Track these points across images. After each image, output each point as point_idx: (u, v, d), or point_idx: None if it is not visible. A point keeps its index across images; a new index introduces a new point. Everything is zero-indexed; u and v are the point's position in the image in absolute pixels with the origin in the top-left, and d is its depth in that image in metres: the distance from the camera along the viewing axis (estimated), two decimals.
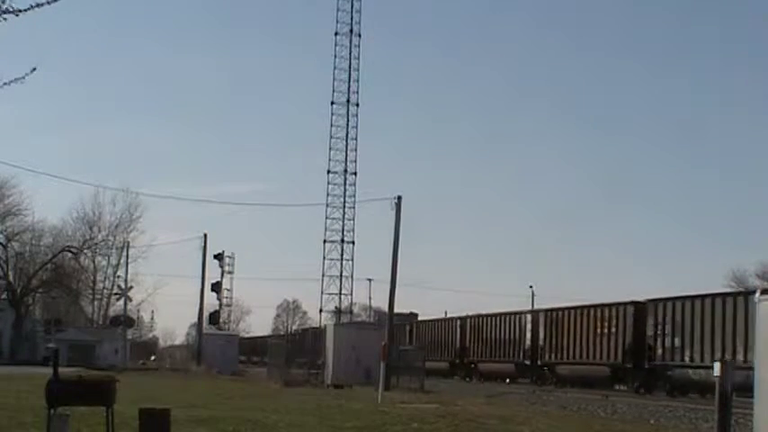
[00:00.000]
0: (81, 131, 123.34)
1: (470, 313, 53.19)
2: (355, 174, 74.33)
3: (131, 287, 65.80)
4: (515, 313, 48.35)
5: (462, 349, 52.19)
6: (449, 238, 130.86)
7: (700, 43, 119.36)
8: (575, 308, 42.13)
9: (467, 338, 51.84)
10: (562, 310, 43.26)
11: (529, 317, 45.89)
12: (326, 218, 74.54)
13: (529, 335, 44.90)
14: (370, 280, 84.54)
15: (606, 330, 38.60)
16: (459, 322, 53.30)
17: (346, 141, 74.54)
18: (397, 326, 60.57)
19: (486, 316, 50.58)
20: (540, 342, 44.05)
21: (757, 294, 15.21)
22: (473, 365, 50.80)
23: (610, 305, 39.22)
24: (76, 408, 10.99)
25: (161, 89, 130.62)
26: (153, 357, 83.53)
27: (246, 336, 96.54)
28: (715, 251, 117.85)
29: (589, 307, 40.86)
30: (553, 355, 42.89)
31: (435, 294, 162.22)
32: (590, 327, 39.83)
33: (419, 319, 65.54)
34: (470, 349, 51.27)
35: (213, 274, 65.26)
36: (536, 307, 66.49)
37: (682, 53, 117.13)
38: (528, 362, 44.91)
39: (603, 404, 27.72)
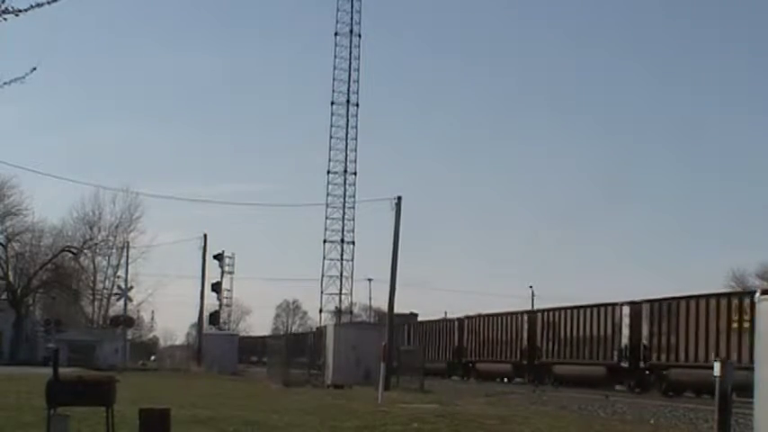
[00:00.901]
0: (81, 131, 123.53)
1: (470, 314, 53.34)
2: (355, 174, 74.45)
3: (131, 287, 65.82)
4: (513, 313, 48.52)
5: (460, 349, 52.42)
6: (449, 238, 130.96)
7: (700, 43, 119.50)
8: (571, 308, 42.33)
9: (464, 339, 52.05)
10: (558, 310, 43.53)
11: (526, 317, 46.11)
12: (326, 218, 74.66)
13: (526, 335, 45.10)
14: (370, 280, 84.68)
15: (603, 331, 38.95)
16: (456, 323, 53.49)
17: (346, 141, 74.64)
18: (396, 326, 60.91)
19: (484, 316, 50.82)
20: (538, 342, 44.32)
21: (757, 294, 15.21)
22: (471, 365, 50.95)
23: (606, 305, 39.42)
24: (76, 408, 11.00)
25: (161, 89, 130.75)
26: (153, 357, 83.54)
27: (247, 335, 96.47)
28: (715, 251, 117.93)
29: (584, 307, 41.11)
30: (550, 356, 43.11)
31: (435, 294, 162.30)
32: (586, 327, 40.18)
33: (418, 319, 65.50)
34: (468, 349, 51.47)
35: (213, 274, 65.32)
36: (536, 307, 66.85)
37: (682, 53, 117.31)
38: (525, 362, 45.18)
39: (603, 404, 27.73)
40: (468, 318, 52.61)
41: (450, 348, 53.54)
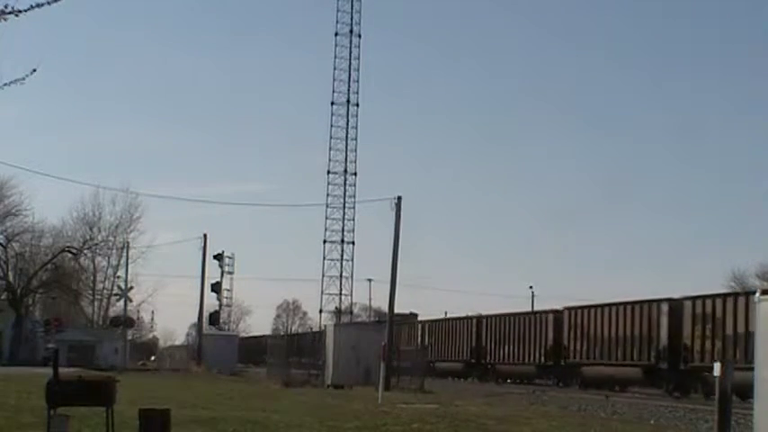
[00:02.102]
0: (81, 131, 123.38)
1: (489, 312, 52.04)
2: (355, 174, 74.46)
3: (131, 287, 65.85)
4: (536, 313, 47.09)
5: (479, 349, 50.54)
6: (449, 238, 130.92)
7: (700, 43, 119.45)
8: (602, 306, 40.15)
9: (483, 338, 50.15)
10: (589, 307, 41.28)
11: (551, 316, 44.05)
12: (326, 218, 74.62)
13: (551, 335, 43.19)
14: (370, 280, 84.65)
15: (638, 330, 36.80)
16: (474, 321, 51.60)
17: (346, 141, 74.66)
18: (406, 324, 60.63)
19: (505, 315, 49.14)
20: (564, 342, 42.13)
21: (757, 294, 15.21)
22: (490, 366, 49.30)
23: (641, 302, 37.36)
24: (77, 408, 11.00)
25: (161, 89, 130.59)
26: (153, 358, 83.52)
27: (249, 336, 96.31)
28: (715, 251, 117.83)
29: (618, 305, 38.87)
30: (578, 356, 41.12)
31: (435, 294, 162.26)
32: (620, 326, 38.06)
33: (430, 318, 64.95)
34: (487, 349, 49.54)
35: (213, 274, 65.29)
36: (536, 307, 66.72)
37: (682, 53, 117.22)
38: (551, 362, 43.36)
39: (603, 404, 27.73)
40: (486, 317, 50.90)
41: (467, 348, 51.78)
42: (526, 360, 45.56)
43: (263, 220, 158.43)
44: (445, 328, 55.60)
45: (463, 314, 56.21)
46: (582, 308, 41.84)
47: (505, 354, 47.43)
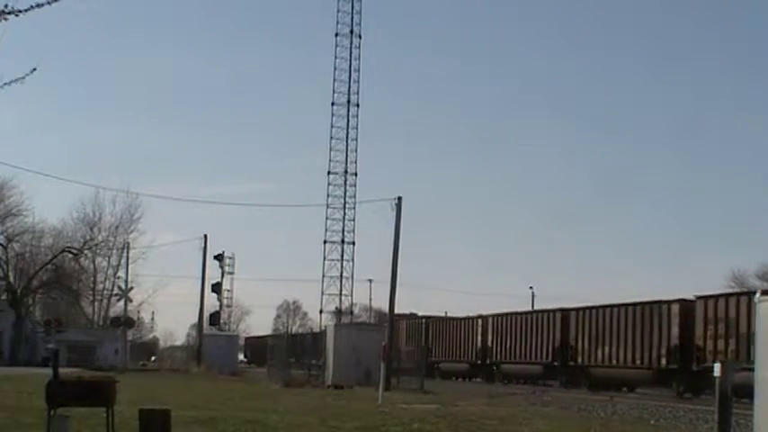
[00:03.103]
0: (81, 131, 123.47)
1: (495, 312, 51.12)
2: (355, 174, 74.30)
3: (132, 288, 65.81)
4: (543, 311, 46.32)
5: (484, 350, 49.88)
6: (449, 238, 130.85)
7: (700, 43, 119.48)
8: (612, 306, 39.62)
9: (489, 338, 49.47)
10: (597, 308, 40.74)
11: (559, 315, 43.35)
12: (327, 218, 74.50)
13: (559, 335, 42.54)
14: (370, 281, 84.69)
15: (648, 330, 36.41)
16: (480, 321, 50.77)
17: (346, 142, 74.55)
18: (411, 324, 60.49)
19: (512, 315, 48.48)
20: (572, 342, 41.74)
21: (757, 295, 15.21)
22: (495, 367, 48.63)
23: (652, 303, 36.96)
24: (77, 408, 11.00)
25: (161, 89, 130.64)
26: (153, 358, 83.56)
27: (255, 336, 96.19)
28: (715, 251, 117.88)
29: (628, 305, 38.45)
30: (585, 357, 40.72)
31: (435, 294, 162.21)
32: (630, 326, 37.67)
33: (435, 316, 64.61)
34: (493, 350, 48.86)
35: (213, 274, 65.36)
36: (536, 307, 66.62)
37: (682, 53, 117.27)
38: (557, 363, 42.93)
39: (604, 404, 27.73)
40: (492, 316, 50.11)
41: (473, 349, 51.11)
42: (533, 360, 45.03)
43: (264, 221, 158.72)
44: (450, 327, 55.17)
45: (463, 314, 56.14)
46: (589, 308, 41.32)
47: (511, 354, 46.92)
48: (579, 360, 41.10)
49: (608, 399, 30.42)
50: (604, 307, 40.25)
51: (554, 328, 43.34)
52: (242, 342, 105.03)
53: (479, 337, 49.99)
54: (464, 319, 53.50)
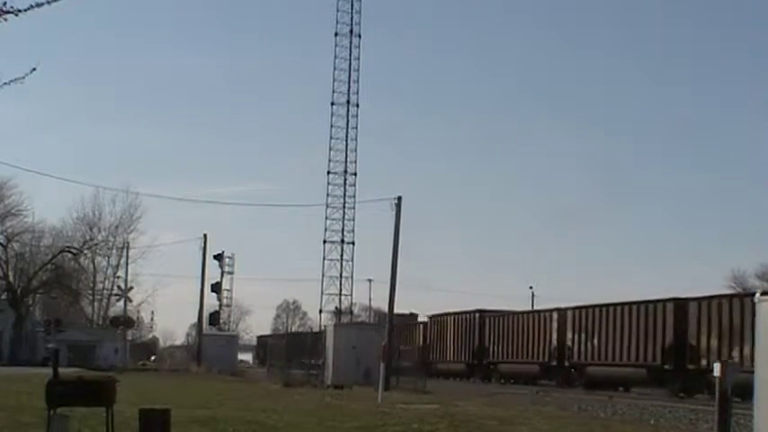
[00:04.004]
0: (81, 131, 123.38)
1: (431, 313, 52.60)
2: (355, 174, 74.27)
3: (131, 288, 65.85)
4: (542, 311, 46.21)
5: (481, 349, 49.61)
6: (449, 238, 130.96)
7: (700, 43, 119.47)
8: (608, 305, 39.42)
9: (486, 337, 49.14)
10: (593, 307, 40.42)
11: (555, 315, 43.10)
12: (326, 218, 74.47)
13: (555, 334, 42.33)
14: (370, 280, 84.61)
15: (644, 329, 36.63)
16: (477, 319, 50.06)
17: (346, 141, 74.51)
18: (408, 325, 60.39)
19: (509, 314, 48.24)
20: (569, 342, 41.54)
21: (757, 295, 15.23)
22: (492, 366, 48.24)
23: (647, 302, 37.17)
24: (76, 408, 11.00)
25: (161, 89, 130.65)
26: (153, 358, 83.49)
27: (266, 335, 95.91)
28: (715, 251, 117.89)
29: (624, 305, 38.58)
30: (582, 356, 40.75)
31: (435, 294, 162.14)
32: (626, 326, 37.80)
33: (417, 320, 64.83)
34: (490, 349, 48.48)
35: (213, 274, 65.30)
36: (536, 306, 66.57)
37: (682, 53, 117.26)
38: (554, 363, 42.83)
39: (604, 405, 27.73)
40: (489, 313, 49.92)
41: (470, 348, 50.77)
42: (531, 360, 44.98)
43: (263, 220, 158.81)
44: (446, 326, 54.72)
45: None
46: (587, 307, 41.12)
47: (508, 353, 46.83)
48: (575, 359, 41.44)
49: (607, 399, 30.42)
50: (600, 306, 40.44)
51: (551, 328, 43.65)
52: (252, 342, 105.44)
53: (555, 334, 43.35)
54: (536, 312, 48.28)
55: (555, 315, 43.30)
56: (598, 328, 39.46)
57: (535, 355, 44.34)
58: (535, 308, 46.56)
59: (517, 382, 45.25)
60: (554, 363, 42.63)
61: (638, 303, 37.54)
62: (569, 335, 41.59)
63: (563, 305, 44.65)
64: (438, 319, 55.66)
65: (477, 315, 50.60)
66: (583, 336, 40.38)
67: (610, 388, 37.39)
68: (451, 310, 53.90)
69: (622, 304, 38.63)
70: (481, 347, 49.24)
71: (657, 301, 36.75)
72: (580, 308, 41.71)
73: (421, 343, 54.86)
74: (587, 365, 40.26)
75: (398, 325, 60.43)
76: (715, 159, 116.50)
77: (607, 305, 39.82)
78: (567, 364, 41.69)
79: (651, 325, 36.27)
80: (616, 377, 38.55)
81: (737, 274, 70.23)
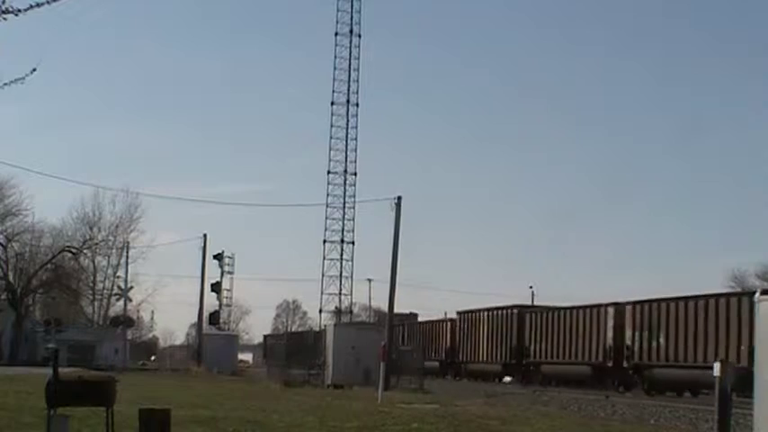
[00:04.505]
0: (81, 131, 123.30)
1: (460, 310, 52.05)
2: (355, 174, 74.23)
3: (131, 287, 65.90)
4: (503, 308, 47.81)
5: (452, 349, 51.58)
6: (449, 238, 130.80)
7: (700, 43, 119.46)
8: (677, 299, 36.60)
9: (456, 338, 51.34)
10: (658, 302, 37.50)
11: (611, 310, 39.61)
12: (326, 218, 74.46)
13: (611, 332, 39.29)
14: (370, 280, 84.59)
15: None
16: (612, 311, 45.76)
17: (346, 141, 74.49)
18: (434, 322, 59.89)
19: (554, 310, 46.10)
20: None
21: (757, 294, 15.22)
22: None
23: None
24: (76, 408, 10.99)
25: (161, 89, 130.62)
26: (153, 357, 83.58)
27: (272, 333, 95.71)
28: (715, 251, 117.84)
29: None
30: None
31: (435, 294, 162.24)
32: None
33: (418, 320, 64.95)
34: (531, 349, 46.71)
35: (213, 274, 65.20)
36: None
37: (682, 53, 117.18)
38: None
39: (603, 404, 27.71)
40: (461, 313, 51.46)
41: (443, 348, 52.37)
42: (494, 360, 47.00)
43: (264, 221, 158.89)
44: (425, 328, 56.22)
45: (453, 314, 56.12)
46: (650, 302, 37.51)
47: (476, 353, 48.46)
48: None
49: (604, 398, 30.42)
50: (553, 309, 43.27)
51: (512, 328, 45.78)
52: (252, 342, 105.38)
53: (610, 332, 39.62)
54: (589, 307, 42.36)
55: (611, 311, 39.18)
56: (665, 326, 36.48)
57: (586, 355, 40.33)
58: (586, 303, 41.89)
59: (561, 383, 41.44)
60: (610, 364, 38.82)
61: (717, 296, 34.74)
62: (629, 333, 37.82)
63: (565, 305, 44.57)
64: (469, 316, 51.69)
65: (515, 311, 47.11)
66: (646, 334, 36.75)
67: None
68: (483, 306, 51.40)
69: (696, 297, 35.56)
70: (520, 347, 45.60)
71: (600, 305, 38.71)
72: (642, 303, 37.88)
73: (449, 342, 53.01)
74: (652, 367, 37.49)
75: (420, 323, 59.92)
76: (715, 159, 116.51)
77: (676, 299, 36.74)
78: (626, 365, 37.96)
79: (735, 321, 32.80)
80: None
81: (738, 274, 70.22)
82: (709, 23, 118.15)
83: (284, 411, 19.39)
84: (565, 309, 43.15)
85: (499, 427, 17.77)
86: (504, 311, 47.77)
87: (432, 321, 58.09)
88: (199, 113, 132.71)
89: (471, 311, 51.57)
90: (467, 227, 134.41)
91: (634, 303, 38.28)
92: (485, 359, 48.50)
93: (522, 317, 45.85)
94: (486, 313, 49.51)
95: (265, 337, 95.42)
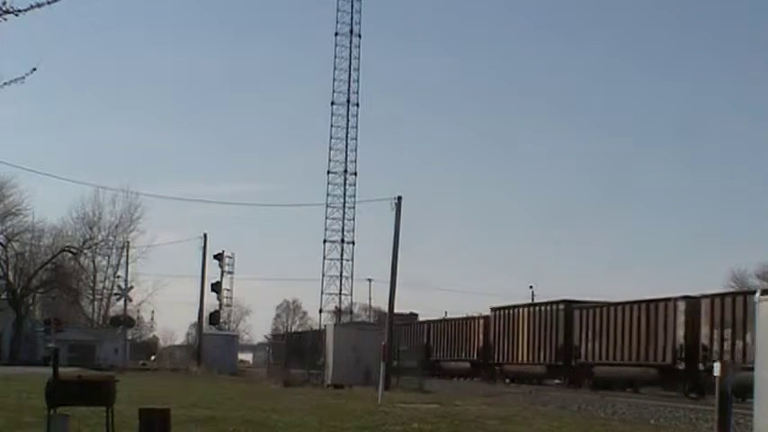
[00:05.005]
0: (81, 131, 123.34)
1: (494, 306, 48.91)
2: (355, 174, 74.29)
3: (131, 287, 65.78)
4: (546, 304, 43.78)
5: (486, 349, 48.35)
6: (449, 238, 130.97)
7: (700, 43, 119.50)
8: (615, 304, 37.53)
9: (491, 337, 47.97)
10: (600, 306, 38.68)
11: (682, 305, 36.36)
12: (326, 218, 74.51)
13: (682, 330, 35.26)
14: (370, 280, 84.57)
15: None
16: (482, 321, 48.22)
17: (346, 141, 74.53)
18: (410, 325, 59.52)
19: (515, 307, 46.61)
20: (576, 341, 39.47)
21: (757, 294, 15.22)
22: (498, 366, 46.10)
23: (656, 301, 35.33)
24: (76, 408, 10.99)
25: (161, 89, 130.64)
26: (153, 357, 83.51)
27: (281, 332, 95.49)
28: (715, 251, 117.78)
29: (632, 303, 36.76)
30: (590, 356, 39.17)
31: (435, 294, 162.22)
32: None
33: (436, 318, 63.54)
34: (495, 349, 47.07)
35: (213, 274, 65.23)
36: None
37: (682, 53, 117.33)
38: (561, 362, 41.49)
39: (603, 404, 27.72)
40: (496, 310, 48.15)
41: (474, 348, 50.03)
42: (536, 361, 43.51)
43: (264, 220, 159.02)
44: (452, 327, 53.64)
45: (463, 314, 55.69)
46: (728, 295, 34.47)
47: (514, 353, 45.35)
48: (583, 359, 40.22)
49: (602, 398, 30.41)
50: (608, 305, 38.94)
51: (559, 326, 42.11)
52: (252, 341, 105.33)
53: (681, 330, 34.99)
54: (653, 301, 37.37)
55: (682, 305, 34.87)
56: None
57: (650, 356, 36.26)
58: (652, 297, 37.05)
59: (617, 387, 38.27)
60: (681, 366, 34.78)
61: (648, 302, 35.15)
62: (704, 330, 33.53)
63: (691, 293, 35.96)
64: (505, 313, 47.52)
65: (561, 307, 42.70)
66: (728, 332, 32.19)
67: (618, 388, 36.17)
68: (522, 302, 49.15)
69: (632, 303, 35.60)
70: (568, 346, 41.52)
71: (668, 299, 34.52)
72: (722, 296, 33.98)
73: (481, 341, 49.28)
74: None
75: (447, 320, 56.51)
76: (715, 159, 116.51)
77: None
78: (701, 367, 33.16)
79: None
80: (626, 377, 36.38)
81: (738, 274, 70.20)
82: (708, 23, 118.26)
83: (284, 411, 19.39)
84: (623, 304, 38.55)
85: (499, 426, 17.77)
86: (549, 307, 43.66)
87: (461, 319, 54.76)
88: (199, 113, 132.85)
89: (508, 307, 47.62)
90: (467, 227, 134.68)
91: (712, 297, 33.75)
92: (525, 360, 44.46)
93: (569, 313, 41.50)
94: (526, 309, 45.88)
95: (274, 336, 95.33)
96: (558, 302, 43.18)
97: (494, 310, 48.89)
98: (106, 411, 10.32)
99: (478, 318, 51.41)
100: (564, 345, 41.48)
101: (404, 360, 43.24)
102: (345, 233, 74.47)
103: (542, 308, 44.58)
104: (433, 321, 59.27)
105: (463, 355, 51.42)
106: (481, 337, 49.29)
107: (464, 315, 57.22)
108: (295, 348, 51.08)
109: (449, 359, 53.38)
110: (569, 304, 42.07)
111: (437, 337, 55.43)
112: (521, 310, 46.32)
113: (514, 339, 45.38)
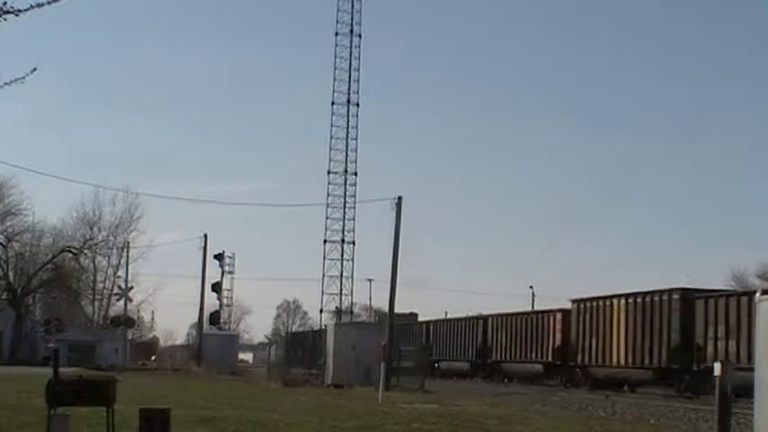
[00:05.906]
0: (81, 131, 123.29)
1: (493, 312, 49.14)
2: (356, 174, 74.09)
3: (132, 287, 65.81)
4: (652, 293, 35.80)
5: (485, 349, 48.75)
6: (449, 238, 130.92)
7: (700, 43, 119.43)
8: (611, 297, 36.10)
9: (489, 338, 48.28)
10: (598, 299, 37.14)
11: (559, 315, 39.83)
12: (327, 218, 74.37)
13: (559, 334, 38.97)
14: (370, 280, 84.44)
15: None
16: (559, 315, 43.91)
17: (346, 141, 74.37)
18: (412, 325, 59.40)
19: (511, 315, 46.99)
20: (697, 338, 32.83)
21: (757, 294, 15.23)
22: (581, 369, 40.86)
23: (652, 293, 33.74)
24: (77, 408, 10.99)
25: (161, 89, 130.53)
26: (153, 357, 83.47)
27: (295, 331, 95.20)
28: (715, 251, 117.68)
29: (628, 295, 35.29)
30: (587, 357, 38.72)
31: (435, 294, 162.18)
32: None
33: (434, 319, 63.76)
34: (493, 349, 47.21)
35: (213, 274, 65.23)
36: (536, 307, 66.17)
37: (682, 53, 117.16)
38: (558, 362, 41.05)
39: (603, 404, 27.72)
40: (492, 316, 48.56)
41: (473, 348, 50.01)
42: (534, 359, 43.55)
43: (263, 220, 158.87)
44: (451, 327, 53.43)
45: (463, 314, 55.59)
46: (718, 294, 32.96)
47: (512, 353, 45.67)
48: (579, 360, 39.68)
49: (604, 397, 30.40)
50: (603, 298, 38.29)
51: (554, 327, 42.16)
52: (252, 341, 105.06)
53: (480, 337, 44.18)
54: (464, 319, 45.19)
55: (559, 315, 37.41)
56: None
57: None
58: (535, 308, 39.79)
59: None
60: (558, 362, 38.09)
61: (643, 294, 34.20)
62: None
63: (565, 305, 41.78)
64: (592, 305, 39.54)
65: (675, 296, 34.64)
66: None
67: (612, 389, 35.76)
68: (487, 304, 48.53)
69: (629, 295, 34.71)
70: (685, 346, 33.59)
71: (662, 291, 34.18)
72: (585, 300, 35.43)
73: (559, 339, 42.16)
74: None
75: (508, 315, 49.02)
76: (715, 159, 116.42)
77: (610, 297, 35.89)
78: (571, 363, 37.49)
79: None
80: (621, 378, 35.86)
81: (738, 274, 70.07)
82: (708, 23, 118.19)
83: (284, 411, 19.39)
84: (519, 314, 37.92)
85: (499, 426, 17.77)
86: (656, 297, 35.35)
87: (530, 313, 48.33)
88: (199, 113, 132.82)
89: (596, 298, 39.24)
90: (467, 227, 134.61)
91: (579, 302, 33.16)
92: (623, 362, 36.68)
93: (689, 304, 33.55)
94: (622, 300, 37.12)
95: (291, 334, 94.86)
96: (669, 291, 35.16)
97: (574, 302, 41.31)
98: (106, 411, 10.32)
99: (554, 312, 43.69)
100: (680, 344, 33.98)
101: (404, 360, 43.18)
102: (346, 233, 74.29)
103: (647, 298, 36.09)
104: (491, 317, 52.79)
105: (533, 355, 44.33)
106: (558, 334, 42.12)
107: (464, 315, 57.12)
108: (295, 348, 51.07)
109: (449, 359, 53.66)
110: (687, 293, 34.60)
111: (491, 335, 51.72)
112: (615, 300, 37.87)
113: (606, 337, 37.97)
